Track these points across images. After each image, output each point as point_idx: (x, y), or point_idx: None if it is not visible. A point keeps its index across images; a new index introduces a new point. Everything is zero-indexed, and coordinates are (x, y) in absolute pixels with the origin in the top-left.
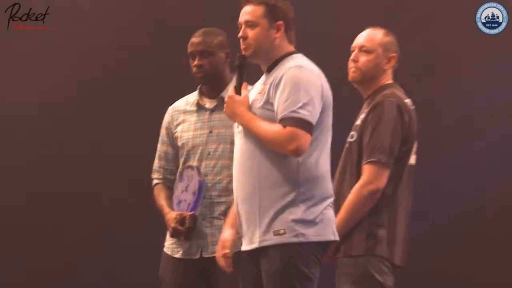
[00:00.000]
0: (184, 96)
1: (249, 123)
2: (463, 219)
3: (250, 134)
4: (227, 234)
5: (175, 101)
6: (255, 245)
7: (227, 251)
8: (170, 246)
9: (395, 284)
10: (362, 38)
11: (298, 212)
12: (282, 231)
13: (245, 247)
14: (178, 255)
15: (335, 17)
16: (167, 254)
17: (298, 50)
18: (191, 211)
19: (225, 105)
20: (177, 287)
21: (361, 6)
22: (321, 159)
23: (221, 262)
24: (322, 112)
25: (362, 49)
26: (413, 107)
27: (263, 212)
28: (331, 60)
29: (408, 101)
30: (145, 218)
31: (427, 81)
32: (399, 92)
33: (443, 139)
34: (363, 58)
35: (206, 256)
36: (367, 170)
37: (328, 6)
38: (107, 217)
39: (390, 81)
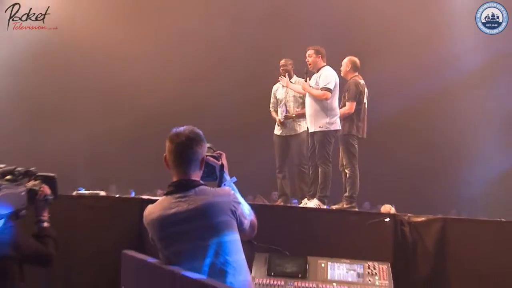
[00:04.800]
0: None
1: (309, 90)
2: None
3: (310, 94)
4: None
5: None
6: (312, 130)
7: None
8: (276, 130)
9: None
10: (343, 63)
11: (327, 119)
12: (322, 126)
13: (310, 131)
14: (279, 133)
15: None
16: (275, 133)
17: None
18: (283, 119)
19: (302, 85)
20: (279, 144)
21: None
22: (335, 102)
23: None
24: (335, 87)
25: (341, 66)
26: (363, 82)
27: (315, 119)
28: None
29: (361, 81)
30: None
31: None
32: (358, 78)
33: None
34: (342, 68)
35: (288, 134)
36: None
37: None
38: None
39: (356, 74)
